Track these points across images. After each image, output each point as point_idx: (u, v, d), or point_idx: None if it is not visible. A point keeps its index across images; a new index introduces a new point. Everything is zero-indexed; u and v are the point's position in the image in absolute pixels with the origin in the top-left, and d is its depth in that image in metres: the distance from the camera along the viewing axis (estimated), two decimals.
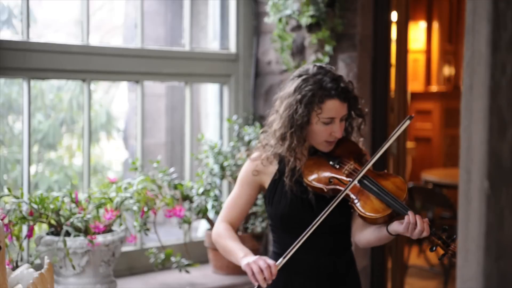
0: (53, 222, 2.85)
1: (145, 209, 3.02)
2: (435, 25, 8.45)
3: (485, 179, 1.16)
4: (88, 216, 2.85)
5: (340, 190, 2.32)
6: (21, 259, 2.98)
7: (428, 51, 8.49)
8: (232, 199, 2.54)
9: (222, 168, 3.49)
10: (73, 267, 2.80)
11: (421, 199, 5.80)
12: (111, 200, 2.94)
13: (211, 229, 3.52)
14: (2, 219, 2.65)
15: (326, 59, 3.53)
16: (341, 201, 2.31)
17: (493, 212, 1.17)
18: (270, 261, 2.26)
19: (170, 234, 3.89)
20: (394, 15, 3.96)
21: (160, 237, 3.25)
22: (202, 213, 3.39)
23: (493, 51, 1.16)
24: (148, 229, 3.12)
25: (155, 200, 3.09)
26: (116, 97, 6.21)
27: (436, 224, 5.81)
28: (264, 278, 2.23)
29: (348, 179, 2.34)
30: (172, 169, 3.43)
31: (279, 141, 2.43)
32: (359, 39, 3.58)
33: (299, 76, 2.42)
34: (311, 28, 3.56)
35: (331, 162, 2.42)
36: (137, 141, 3.56)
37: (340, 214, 2.38)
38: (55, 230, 2.88)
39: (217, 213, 3.48)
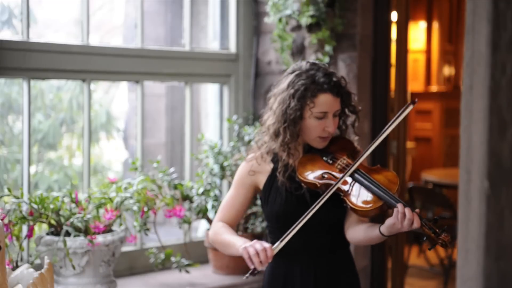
0: (53, 222, 2.85)
1: (145, 209, 3.02)
2: (435, 25, 8.45)
3: (485, 179, 1.16)
4: (88, 216, 2.85)
5: (332, 185, 2.33)
6: (21, 259, 2.98)
7: (428, 51, 8.49)
8: (228, 200, 2.53)
9: (222, 168, 3.49)
10: (73, 267, 2.80)
11: (421, 199, 5.80)
12: (111, 200, 2.94)
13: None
14: (2, 219, 2.65)
15: (326, 59, 3.53)
16: (336, 198, 2.31)
17: (493, 212, 1.17)
18: (266, 244, 2.26)
19: (170, 234, 3.88)
20: (394, 15, 3.96)
21: (160, 237, 3.25)
22: (202, 213, 3.39)
23: (493, 51, 1.16)
24: (148, 229, 3.12)
25: (155, 200, 3.09)
26: (116, 97, 6.20)
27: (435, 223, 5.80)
28: (260, 261, 2.23)
29: (340, 173, 2.35)
30: (172, 169, 3.43)
31: (273, 137, 2.44)
32: (359, 39, 3.58)
33: (292, 72, 2.45)
34: (311, 28, 3.56)
35: (324, 158, 2.43)
36: (137, 141, 3.56)
37: (336, 212, 2.38)
38: (55, 230, 2.88)
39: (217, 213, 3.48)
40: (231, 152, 3.54)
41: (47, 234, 2.87)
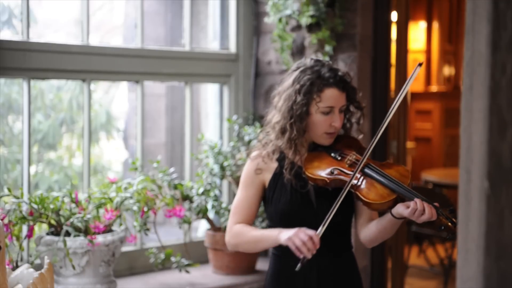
0: (53, 222, 2.85)
1: (145, 209, 3.02)
2: (435, 25, 8.45)
3: (485, 179, 1.16)
4: (88, 216, 2.85)
5: (342, 181, 2.32)
6: (21, 259, 2.98)
7: (428, 51, 8.49)
8: (239, 202, 2.50)
9: (222, 168, 3.49)
10: (73, 267, 2.80)
11: None
12: (111, 200, 2.94)
13: (211, 229, 3.53)
14: (2, 219, 2.65)
15: (326, 59, 3.53)
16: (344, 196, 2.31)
17: (493, 212, 1.17)
18: (310, 232, 2.25)
19: (170, 234, 3.89)
20: (394, 15, 3.96)
21: (160, 237, 3.25)
22: (202, 213, 3.39)
23: (493, 51, 1.16)
24: (148, 229, 3.12)
25: (155, 200, 3.09)
26: (116, 97, 6.21)
27: (435, 224, 5.81)
28: (308, 249, 2.23)
29: (351, 169, 2.34)
30: (172, 169, 3.43)
31: (279, 134, 2.42)
32: (359, 39, 3.58)
33: (297, 68, 2.44)
34: (311, 28, 3.56)
35: (332, 154, 2.41)
36: (137, 141, 3.56)
37: (340, 213, 2.36)
38: (55, 230, 2.88)
39: (217, 213, 3.48)
40: (231, 152, 3.54)
41: (47, 234, 2.87)
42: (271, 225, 2.51)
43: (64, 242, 2.74)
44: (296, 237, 2.24)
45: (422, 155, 8.06)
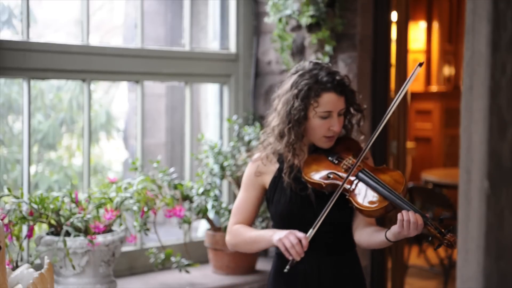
0: (53, 222, 2.85)
1: (145, 209, 3.02)
2: (435, 25, 8.45)
3: (485, 179, 1.16)
4: (88, 216, 2.85)
5: (337, 185, 2.32)
6: (21, 259, 2.98)
7: (428, 51, 8.49)
8: (239, 204, 2.54)
9: (222, 168, 3.49)
10: (73, 267, 2.80)
11: (421, 199, 5.80)
12: (111, 200, 2.94)
13: (211, 229, 3.53)
14: (2, 219, 2.65)
15: (326, 59, 3.53)
16: (340, 199, 2.31)
17: (493, 212, 1.17)
18: (300, 234, 2.28)
19: (170, 234, 3.89)
20: (394, 15, 3.96)
21: (160, 237, 3.25)
22: (202, 213, 3.39)
23: (493, 51, 1.16)
24: (148, 229, 3.12)
25: (155, 200, 3.09)
26: (116, 97, 6.20)
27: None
28: (297, 252, 2.25)
29: (346, 173, 2.34)
30: (172, 169, 3.43)
31: (278, 138, 2.44)
32: (359, 39, 3.58)
33: (296, 72, 2.45)
34: (311, 28, 3.56)
35: (330, 158, 2.42)
36: (137, 141, 3.56)
37: (341, 212, 2.37)
38: (55, 230, 2.88)
39: (217, 213, 3.48)
40: (231, 152, 3.54)
41: (47, 234, 2.87)
42: (273, 225, 2.53)
43: (64, 242, 2.74)
44: (286, 239, 2.27)
45: (422, 155, 8.06)
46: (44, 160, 5.31)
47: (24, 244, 2.93)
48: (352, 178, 2.32)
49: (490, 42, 1.16)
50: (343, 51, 3.59)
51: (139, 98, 3.55)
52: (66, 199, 2.90)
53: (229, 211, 3.45)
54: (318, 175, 2.38)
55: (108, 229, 2.92)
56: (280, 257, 2.48)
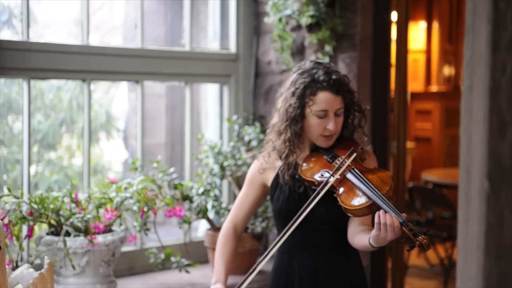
0: (53, 222, 2.85)
1: (145, 209, 3.02)
2: (435, 25, 8.45)
3: (485, 179, 1.16)
4: (88, 216, 2.85)
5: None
6: (21, 259, 2.98)
7: (428, 51, 8.49)
8: (239, 199, 2.60)
9: (222, 168, 3.49)
10: (73, 267, 2.79)
11: (421, 199, 5.80)
12: (111, 200, 2.94)
13: (211, 229, 3.53)
14: (2, 219, 2.65)
15: (326, 59, 3.53)
16: (332, 195, 2.33)
17: (493, 212, 1.17)
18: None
19: (170, 234, 3.88)
20: (394, 15, 3.96)
21: (160, 237, 3.25)
22: (202, 213, 3.39)
23: (493, 51, 1.16)
24: (148, 229, 3.12)
25: (155, 200, 3.09)
26: (116, 97, 6.20)
27: (435, 224, 5.81)
28: None
29: (337, 172, 2.36)
30: (172, 169, 3.43)
31: (277, 135, 2.47)
32: (359, 39, 3.58)
33: (297, 71, 2.48)
34: (311, 28, 3.56)
35: (325, 157, 2.44)
36: (137, 141, 3.56)
37: (336, 210, 2.36)
38: (55, 230, 2.87)
39: (217, 213, 3.48)
40: (231, 152, 3.54)
41: (47, 234, 2.87)
42: (275, 223, 2.56)
43: (64, 242, 2.74)
44: None
45: (422, 155, 8.06)
46: (44, 160, 5.31)
47: (24, 244, 2.93)
48: (340, 177, 2.34)
49: (490, 42, 1.16)
50: (343, 51, 3.59)
51: (139, 98, 3.55)
52: (66, 199, 2.90)
53: (229, 211, 3.44)
54: (311, 173, 2.41)
55: (108, 229, 2.92)
56: (281, 255, 2.51)
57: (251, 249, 3.47)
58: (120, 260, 3.30)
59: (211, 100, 4.11)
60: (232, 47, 3.89)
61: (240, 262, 3.47)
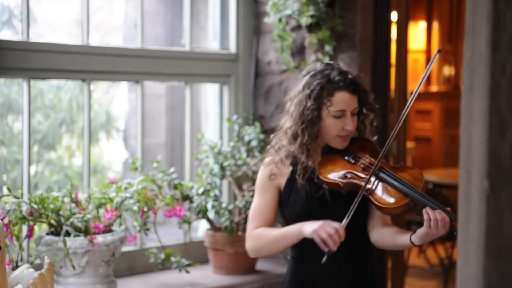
0: (53, 222, 2.85)
1: (145, 209, 3.02)
2: (435, 25, 8.45)
3: (485, 179, 1.16)
4: (88, 216, 2.85)
5: (356, 184, 2.31)
6: (21, 259, 2.98)
7: (428, 51, 8.49)
8: (256, 209, 2.50)
9: (222, 168, 3.49)
10: (73, 267, 2.79)
11: None
12: (111, 200, 2.94)
13: (211, 229, 3.53)
14: (2, 219, 2.65)
15: (326, 59, 3.53)
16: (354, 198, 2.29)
17: (493, 212, 1.17)
18: (335, 224, 2.24)
19: (170, 234, 3.88)
20: (394, 15, 3.96)
21: (160, 237, 3.25)
22: (202, 213, 3.39)
23: (493, 51, 1.16)
24: (148, 229, 3.12)
25: (155, 200, 3.09)
26: (116, 97, 6.20)
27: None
28: (334, 241, 2.22)
29: (364, 172, 2.33)
30: (172, 169, 3.43)
31: (291, 140, 2.41)
32: (359, 39, 3.58)
33: (307, 73, 2.43)
34: (311, 28, 3.56)
35: (346, 158, 2.40)
36: (137, 141, 3.56)
37: (357, 214, 2.31)
38: (55, 230, 2.88)
39: (217, 213, 3.48)
40: (231, 152, 3.54)
41: (47, 234, 2.87)
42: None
43: (64, 242, 2.74)
44: (321, 230, 2.23)
45: (422, 155, 8.06)
46: (44, 160, 5.31)
47: (24, 244, 2.93)
48: (372, 178, 2.30)
49: (490, 42, 1.16)
50: (343, 51, 3.59)
51: (139, 98, 3.55)
52: (66, 199, 2.90)
53: (229, 211, 3.45)
54: (334, 175, 2.35)
55: (108, 229, 2.92)
56: (296, 261, 2.47)
57: None
58: (120, 260, 3.30)
59: (211, 100, 4.11)
60: (232, 47, 3.89)
61: (240, 262, 3.47)
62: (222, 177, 3.52)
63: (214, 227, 3.51)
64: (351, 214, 2.26)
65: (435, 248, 5.58)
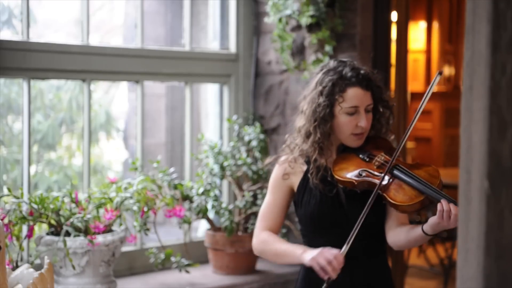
0: (53, 222, 2.85)
1: (145, 209, 3.02)
2: (435, 25, 8.45)
3: (485, 179, 1.16)
4: (88, 216, 2.85)
5: (371, 182, 2.28)
6: (21, 259, 2.98)
7: (428, 51, 8.49)
8: (267, 207, 2.48)
9: (222, 168, 3.49)
10: (73, 267, 2.79)
11: None
12: (111, 200, 2.94)
13: (211, 229, 3.53)
14: (2, 219, 2.65)
15: (326, 59, 3.53)
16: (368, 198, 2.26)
17: (493, 212, 1.16)
18: (334, 251, 2.22)
19: (170, 234, 3.88)
20: (394, 15, 3.96)
21: (160, 237, 3.25)
22: (202, 213, 3.39)
23: (493, 51, 1.16)
24: (148, 229, 3.12)
25: (155, 200, 3.09)
26: (116, 97, 6.20)
27: None
28: (333, 269, 2.20)
29: (379, 170, 2.30)
30: (172, 169, 3.43)
31: (304, 138, 2.38)
32: (359, 39, 3.58)
33: (320, 71, 2.41)
34: (311, 28, 3.56)
35: (360, 156, 2.37)
36: (137, 141, 3.56)
37: (370, 215, 2.27)
38: (55, 230, 2.88)
39: (217, 213, 3.48)
40: (231, 152, 3.54)
41: (47, 234, 2.87)
42: (302, 229, 2.47)
43: (64, 242, 2.74)
44: (320, 257, 2.21)
45: (422, 155, 8.06)
46: (44, 160, 5.31)
47: (24, 244, 2.93)
48: (386, 176, 2.27)
49: (490, 42, 1.16)
50: (343, 51, 3.59)
51: (139, 98, 3.55)
52: (66, 199, 2.90)
53: (229, 211, 3.45)
54: (349, 173, 2.32)
55: (108, 229, 2.92)
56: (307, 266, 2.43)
57: (251, 249, 3.46)
58: (120, 260, 3.30)
59: (211, 100, 4.11)
60: (232, 47, 3.89)
61: (240, 262, 3.47)
62: (222, 177, 3.52)
63: (214, 227, 3.51)
64: (352, 239, 2.23)
65: (435, 248, 5.58)
